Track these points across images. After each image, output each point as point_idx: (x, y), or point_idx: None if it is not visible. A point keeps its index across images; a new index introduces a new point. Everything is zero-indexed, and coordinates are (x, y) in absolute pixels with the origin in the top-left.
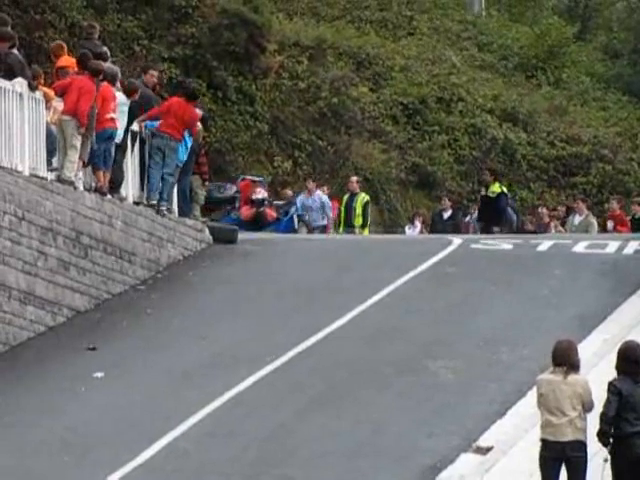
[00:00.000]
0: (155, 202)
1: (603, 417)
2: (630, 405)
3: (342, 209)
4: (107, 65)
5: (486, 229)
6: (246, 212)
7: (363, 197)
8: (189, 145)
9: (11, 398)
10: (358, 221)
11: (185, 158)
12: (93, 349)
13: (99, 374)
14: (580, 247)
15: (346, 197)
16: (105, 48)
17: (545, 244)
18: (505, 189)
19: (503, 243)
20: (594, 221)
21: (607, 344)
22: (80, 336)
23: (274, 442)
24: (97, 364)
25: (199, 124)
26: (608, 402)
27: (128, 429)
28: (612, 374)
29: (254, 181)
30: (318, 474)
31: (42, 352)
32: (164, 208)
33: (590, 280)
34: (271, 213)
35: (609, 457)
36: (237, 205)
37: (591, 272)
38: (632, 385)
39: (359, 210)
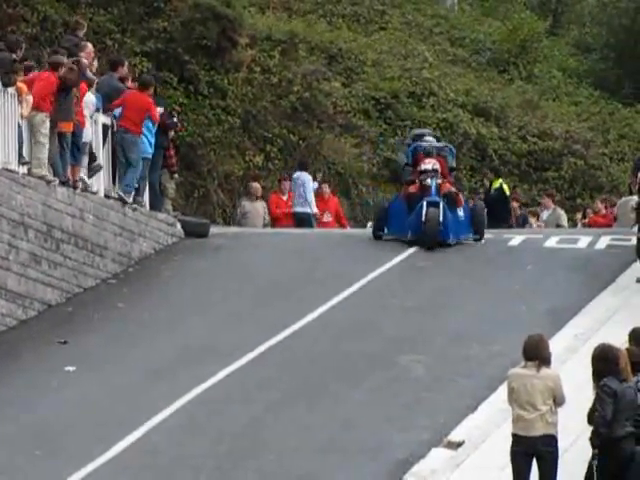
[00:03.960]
0: (121, 194)
1: (600, 420)
2: (621, 406)
3: None
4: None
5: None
6: (407, 189)
7: None
8: (152, 140)
9: None
10: None
11: (151, 151)
12: (64, 343)
13: (70, 368)
14: (551, 242)
15: None
16: (86, 43)
17: (516, 239)
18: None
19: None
20: (562, 213)
21: (578, 339)
22: (51, 330)
23: (246, 437)
24: (68, 358)
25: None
26: (604, 404)
27: (99, 423)
28: (583, 369)
29: (423, 148)
30: (290, 468)
31: (13, 346)
32: (129, 199)
33: (561, 275)
34: (446, 186)
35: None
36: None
37: (563, 267)
38: (620, 385)
39: None
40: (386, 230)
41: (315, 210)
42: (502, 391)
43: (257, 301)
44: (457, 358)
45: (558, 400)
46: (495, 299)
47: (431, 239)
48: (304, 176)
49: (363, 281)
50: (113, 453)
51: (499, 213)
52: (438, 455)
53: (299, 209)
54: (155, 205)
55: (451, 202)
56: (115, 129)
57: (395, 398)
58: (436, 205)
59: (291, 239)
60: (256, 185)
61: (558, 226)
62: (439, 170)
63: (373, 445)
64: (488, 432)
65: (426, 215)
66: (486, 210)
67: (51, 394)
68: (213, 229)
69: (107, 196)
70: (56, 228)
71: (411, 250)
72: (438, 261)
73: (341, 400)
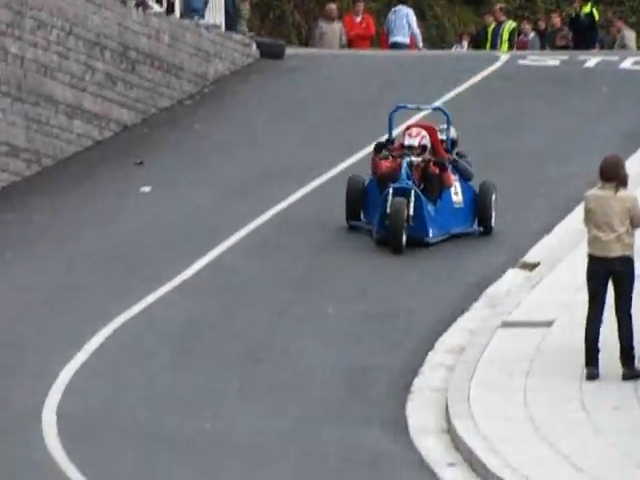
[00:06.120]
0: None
1: None
2: None
3: (489, 35)
4: None
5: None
6: (384, 165)
7: (510, 24)
8: None
9: (58, 213)
10: (504, 47)
11: None
12: (140, 163)
13: (146, 188)
14: (627, 63)
15: (493, 25)
16: None
17: (592, 60)
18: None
19: (550, 59)
20: (629, 34)
21: None
22: (127, 150)
23: (321, 257)
24: (144, 178)
25: None
26: None
27: (175, 244)
28: None
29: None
30: (370, 290)
31: (89, 166)
32: (196, 18)
33: (637, 96)
34: (433, 169)
35: None
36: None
37: (638, 89)
38: None
39: (506, 37)
40: (363, 217)
41: (421, 44)
42: (578, 212)
43: (331, 122)
44: (532, 179)
45: (635, 222)
46: (570, 120)
47: (394, 238)
48: (406, 9)
49: (438, 103)
50: (190, 273)
51: (587, 40)
52: (513, 276)
53: (399, 39)
54: (230, 26)
55: (434, 186)
56: None
57: None
58: (405, 193)
59: (367, 61)
60: (332, 6)
61: (623, 47)
62: (428, 146)
63: (449, 266)
64: (563, 253)
65: (390, 207)
66: (572, 34)
67: (127, 215)
68: (288, 50)
69: (182, 17)
70: (132, 49)
71: (486, 72)
72: (513, 83)
73: None
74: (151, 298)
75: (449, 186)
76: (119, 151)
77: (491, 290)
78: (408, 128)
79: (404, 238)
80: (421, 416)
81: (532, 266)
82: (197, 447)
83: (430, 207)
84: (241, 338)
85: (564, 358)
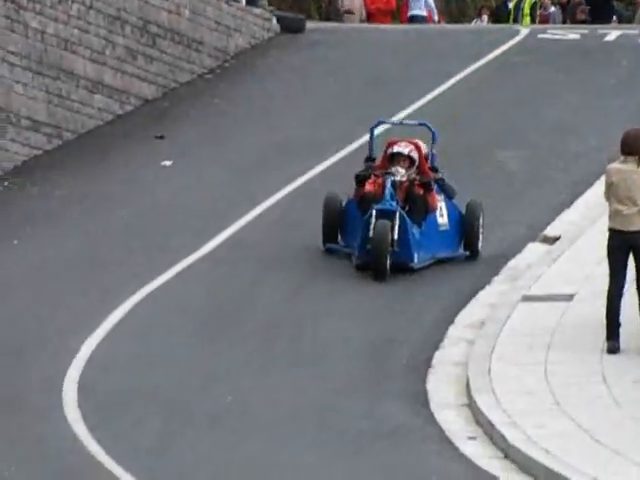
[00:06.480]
0: None
1: None
2: None
3: (512, 10)
4: None
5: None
6: (362, 188)
7: None
8: None
9: (79, 187)
10: (526, 21)
11: None
12: (161, 137)
13: (167, 162)
14: None
15: None
16: None
17: (612, 34)
18: None
19: (570, 33)
20: None
21: None
22: (148, 125)
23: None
24: (165, 153)
25: None
26: None
27: (194, 218)
28: None
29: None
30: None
31: (110, 141)
32: None
33: None
34: (418, 190)
35: None
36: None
37: None
38: None
39: (527, 10)
40: (340, 240)
41: (436, 17)
42: (598, 186)
43: (352, 97)
44: (553, 153)
45: None
46: (590, 94)
47: (377, 264)
48: None
49: (459, 76)
50: (209, 248)
51: (603, 13)
52: (534, 250)
53: (416, 12)
54: (251, 0)
55: (419, 208)
56: None
57: (491, 193)
58: (389, 215)
59: (387, 35)
60: None
61: None
62: (416, 160)
63: None
64: (584, 227)
65: (373, 230)
66: (589, 8)
67: (147, 189)
68: (309, 24)
69: None
70: (152, 23)
71: (506, 46)
72: (533, 56)
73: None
74: (171, 273)
75: (434, 209)
76: (140, 125)
77: (512, 264)
78: (395, 142)
79: (388, 263)
80: (441, 390)
81: (553, 240)
82: (218, 420)
83: (415, 230)
84: (261, 312)
85: (585, 332)
